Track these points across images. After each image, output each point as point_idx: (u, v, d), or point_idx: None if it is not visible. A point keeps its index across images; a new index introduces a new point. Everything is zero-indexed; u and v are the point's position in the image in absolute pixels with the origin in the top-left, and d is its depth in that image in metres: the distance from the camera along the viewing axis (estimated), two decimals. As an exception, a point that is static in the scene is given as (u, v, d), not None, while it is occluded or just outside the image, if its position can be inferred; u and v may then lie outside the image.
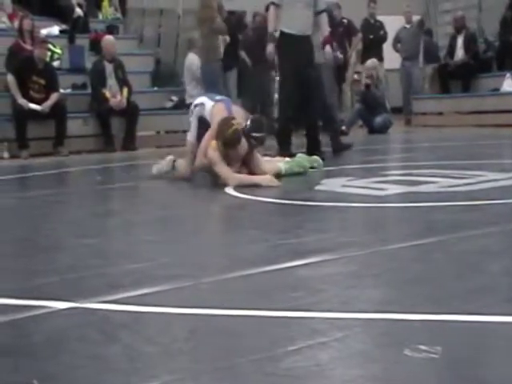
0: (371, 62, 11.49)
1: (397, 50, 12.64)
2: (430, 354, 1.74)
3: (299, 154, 6.01)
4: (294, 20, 6.76)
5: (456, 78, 12.29)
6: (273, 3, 6.92)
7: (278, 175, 5.40)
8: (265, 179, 5.06)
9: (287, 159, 5.82)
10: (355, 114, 11.49)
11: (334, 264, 2.74)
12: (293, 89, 6.82)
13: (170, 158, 5.88)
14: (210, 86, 8.42)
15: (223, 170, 5.15)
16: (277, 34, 6.93)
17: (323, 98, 7.32)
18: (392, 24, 12.79)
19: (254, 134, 5.25)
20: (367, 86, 11.18)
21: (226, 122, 5.17)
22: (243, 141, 5.19)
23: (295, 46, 6.73)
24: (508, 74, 11.36)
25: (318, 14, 6.98)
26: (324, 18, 7.10)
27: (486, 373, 1.68)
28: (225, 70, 9.76)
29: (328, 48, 7.11)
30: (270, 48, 6.90)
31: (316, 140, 6.95)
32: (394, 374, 1.68)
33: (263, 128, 5.37)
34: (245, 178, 5.15)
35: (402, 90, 12.66)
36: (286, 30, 6.82)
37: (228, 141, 5.09)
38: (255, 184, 5.02)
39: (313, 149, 6.70)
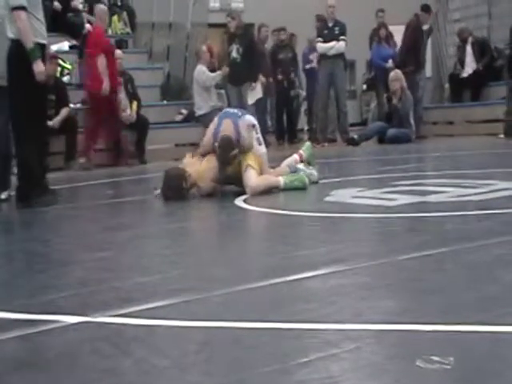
0: (394, 73, 10.99)
1: None
2: (443, 365, 1.73)
3: (300, 166, 5.77)
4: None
5: (466, 86, 12.25)
6: (23, 8, 5.29)
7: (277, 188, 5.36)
8: None
9: (291, 174, 5.62)
10: (373, 130, 11.15)
11: (346, 275, 2.73)
12: None
13: None
14: None
15: None
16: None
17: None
18: (400, 33, 12.75)
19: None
20: (389, 100, 10.94)
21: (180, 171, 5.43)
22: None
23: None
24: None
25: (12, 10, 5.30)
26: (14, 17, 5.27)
27: (500, 383, 1.67)
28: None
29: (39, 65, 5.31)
30: (41, 66, 5.28)
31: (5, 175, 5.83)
32: (407, 386, 1.68)
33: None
34: None
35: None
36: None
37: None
38: None
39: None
